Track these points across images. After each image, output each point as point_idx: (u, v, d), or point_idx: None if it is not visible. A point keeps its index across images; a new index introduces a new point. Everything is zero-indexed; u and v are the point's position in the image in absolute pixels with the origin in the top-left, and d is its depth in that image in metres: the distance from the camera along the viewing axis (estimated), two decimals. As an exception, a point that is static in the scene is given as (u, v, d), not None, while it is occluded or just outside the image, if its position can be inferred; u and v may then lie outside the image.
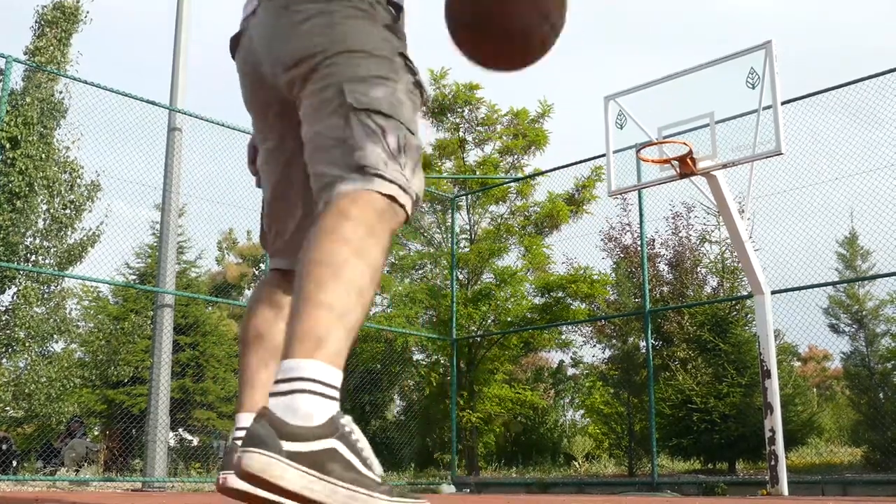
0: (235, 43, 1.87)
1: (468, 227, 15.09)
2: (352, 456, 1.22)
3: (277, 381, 1.23)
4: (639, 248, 11.28)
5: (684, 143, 7.35)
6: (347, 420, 1.26)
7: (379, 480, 1.26)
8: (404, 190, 1.51)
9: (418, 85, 1.66)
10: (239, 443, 1.62)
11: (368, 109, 1.52)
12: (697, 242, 14.05)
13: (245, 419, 1.77)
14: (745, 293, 11.97)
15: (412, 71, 1.65)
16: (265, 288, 1.96)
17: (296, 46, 1.61)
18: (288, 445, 1.15)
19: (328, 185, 1.50)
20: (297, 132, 1.68)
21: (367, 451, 1.27)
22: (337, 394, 1.25)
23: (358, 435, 1.26)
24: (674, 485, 9.19)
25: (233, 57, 1.91)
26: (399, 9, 1.72)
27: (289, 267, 1.88)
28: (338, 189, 1.47)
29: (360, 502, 1.19)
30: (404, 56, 1.65)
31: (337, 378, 1.26)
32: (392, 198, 1.48)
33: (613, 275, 14.00)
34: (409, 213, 1.53)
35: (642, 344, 12.79)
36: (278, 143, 1.87)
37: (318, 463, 1.17)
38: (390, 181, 1.48)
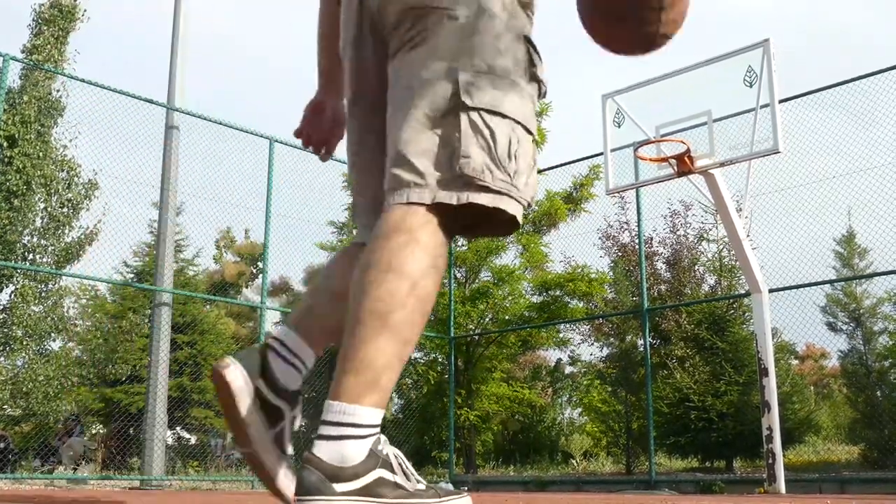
0: None
1: (466, 225, 15.09)
2: (395, 476, 1.32)
3: (326, 423, 1.29)
4: (637, 247, 11.29)
5: (682, 142, 7.35)
6: (383, 442, 1.33)
7: (424, 487, 1.37)
8: (514, 199, 1.42)
9: (535, 77, 1.52)
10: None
11: (480, 108, 1.40)
12: (695, 241, 14.07)
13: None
14: (742, 291, 11.98)
15: (532, 61, 1.51)
16: (343, 270, 1.68)
17: None
18: (340, 487, 1.25)
19: (417, 185, 1.39)
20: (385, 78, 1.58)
21: (405, 463, 1.36)
22: (378, 429, 1.32)
23: (393, 452, 1.35)
24: (671, 483, 9.20)
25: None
26: None
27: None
28: (435, 196, 1.38)
29: None
30: (528, 40, 1.52)
31: (380, 417, 1.32)
32: (497, 209, 1.41)
33: (611, 273, 14.01)
34: (519, 220, 1.46)
35: (640, 342, 12.80)
36: (365, 91, 1.68)
37: (369, 493, 1.28)
38: (496, 192, 1.40)
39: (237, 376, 1.52)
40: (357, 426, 1.29)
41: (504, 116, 1.43)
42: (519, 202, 1.44)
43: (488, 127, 1.41)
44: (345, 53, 1.72)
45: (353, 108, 1.73)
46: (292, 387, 1.60)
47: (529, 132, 1.48)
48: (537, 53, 1.53)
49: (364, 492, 1.27)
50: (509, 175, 1.42)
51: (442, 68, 1.43)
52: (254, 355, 1.57)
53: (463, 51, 1.43)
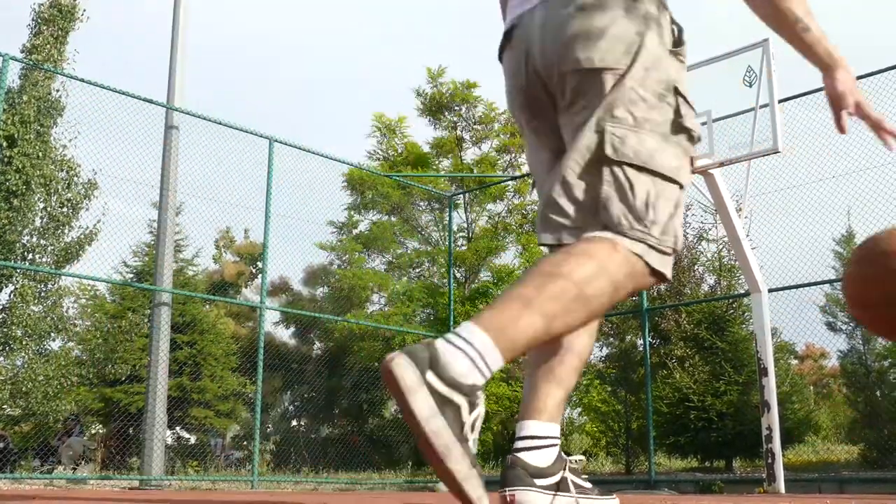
0: (506, 41, 1.82)
1: (465, 225, 15.10)
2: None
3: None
4: (636, 247, 11.28)
5: (682, 142, 7.34)
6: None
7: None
8: (651, 247, 1.52)
9: (682, 128, 1.62)
10: (517, 454, 1.84)
11: (622, 162, 1.52)
12: (695, 240, 14.07)
13: (525, 427, 1.85)
14: (742, 291, 11.99)
15: (679, 112, 1.61)
16: None
17: (577, 52, 1.59)
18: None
19: (567, 227, 1.56)
20: (556, 124, 1.74)
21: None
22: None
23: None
24: (671, 483, 9.21)
25: (499, 56, 1.86)
26: (682, 31, 1.69)
27: None
28: (584, 235, 1.52)
29: None
30: (678, 92, 1.62)
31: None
32: (636, 254, 1.50)
33: (611, 273, 13.99)
34: (661, 269, 1.54)
35: (640, 342, 12.80)
36: (541, 137, 1.82)
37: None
38: (633, 239, 1.50)
39: None
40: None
41: (644, 170, 1.54)
42: (658, 250, 1.53)
43: (628, 180, 1.53)
44: (513, 98, 1.83)
45: (533, 139, 1.85)
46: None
47: (673, 181, 1.58)
48: (687, 103, 1.63)
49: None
50: (646, 226, 1.52)
51: (593, 121, 1.55)
52: None
53: (613, 104, 1.55)
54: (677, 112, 1.61)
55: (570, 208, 1.55)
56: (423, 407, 1.28)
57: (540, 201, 1.68)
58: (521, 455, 1.75)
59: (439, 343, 1.34)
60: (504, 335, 1.36)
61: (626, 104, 1.55)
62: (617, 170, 1.52)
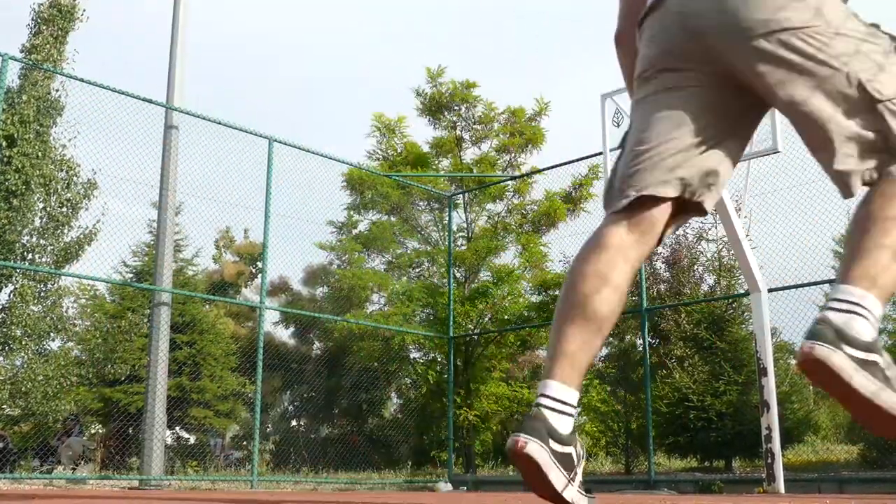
0: (651, 10, 1.89)
1: (465, 225, 15.10)
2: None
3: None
4: (636, 247, 11.27)
5: (681, 142, 7.33)
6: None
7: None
8: None
9: None
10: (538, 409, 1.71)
11: (893, 98, 1.63)
12: (694, 240, 14.07)
13: (550, 387, 1.72)
14: (741, 291, 11.99)
15: (893, 33, 1.73)
16: (601, 244, 1.91)
17: (767, 15, 1.68)
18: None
19: (878, 168, 1.63)
20: (712, 80, 1.80)
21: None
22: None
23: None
24: (671, 483, 9.21)
25: (640, 22, 1.93)
26: None
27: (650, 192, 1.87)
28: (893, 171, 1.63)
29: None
30: (877, 26, 1.74)
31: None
32: None
33: (610, 273, 13.98)
34: None
35: (639, 342, 12.80)
36: (678, 99, 1.85)
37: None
38: None
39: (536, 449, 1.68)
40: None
41: None
42: None
43: None
44: (653, 63, 1.87)
45: (665, 99, 1.86)
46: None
47: None
48: (882, 29, 1.76)
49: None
50: None
51: (842, 77, 1.66)
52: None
53: (850, 57, 1.66)
54: (892, 35, 1.72)
55: (862, 151, 1.64)
56: (863, 382, 1.38)
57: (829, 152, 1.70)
58: (546, 413, 1.68)
59: (832, 315, 1.48)
60: (880, 288, 1.51)
61: (860, 51, 1.67)
62: (890, 105, 1.63)
